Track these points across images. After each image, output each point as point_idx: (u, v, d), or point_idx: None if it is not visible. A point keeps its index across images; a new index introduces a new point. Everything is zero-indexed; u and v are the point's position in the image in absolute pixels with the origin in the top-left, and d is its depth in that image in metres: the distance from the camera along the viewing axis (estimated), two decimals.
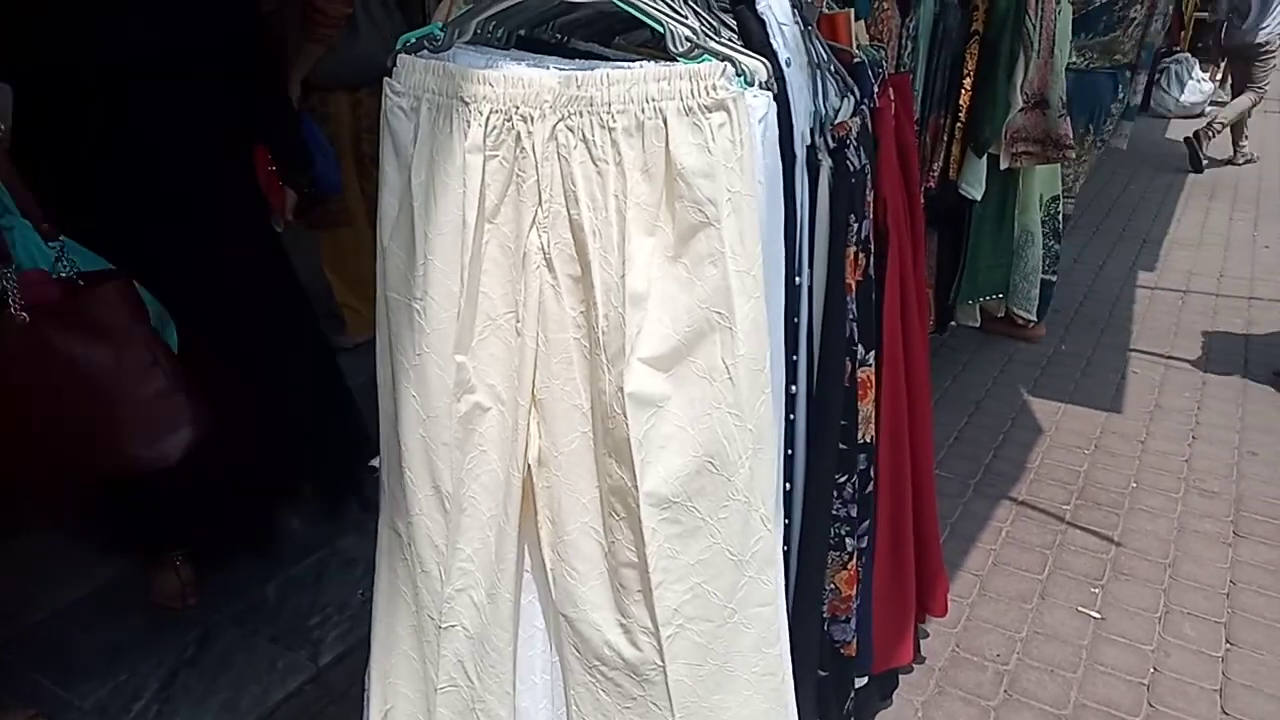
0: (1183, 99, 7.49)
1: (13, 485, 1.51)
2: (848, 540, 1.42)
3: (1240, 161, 6.11)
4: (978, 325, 3.33)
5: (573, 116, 0.94)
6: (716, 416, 0.98)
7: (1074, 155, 2.94)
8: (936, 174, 2.68)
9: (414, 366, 1.04)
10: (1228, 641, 1.97)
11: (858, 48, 1.36)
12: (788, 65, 1.10)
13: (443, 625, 1.10)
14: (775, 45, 1.08)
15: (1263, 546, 2.28)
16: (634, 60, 0.99)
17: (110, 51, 1.62)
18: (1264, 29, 5.59)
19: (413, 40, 1.04)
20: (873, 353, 1.40)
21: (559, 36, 1.18)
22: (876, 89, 1.35)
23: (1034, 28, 2.55)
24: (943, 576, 1.83)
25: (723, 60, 0.93)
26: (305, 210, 2.80)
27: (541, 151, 0.96)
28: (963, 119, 2.63)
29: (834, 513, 1.40)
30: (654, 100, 0.91)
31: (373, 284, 1.12)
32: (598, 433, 1.02)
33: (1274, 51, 5.73)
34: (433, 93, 0.99)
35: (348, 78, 2.78)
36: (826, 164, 1.22)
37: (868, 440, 1.43)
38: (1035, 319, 3.38)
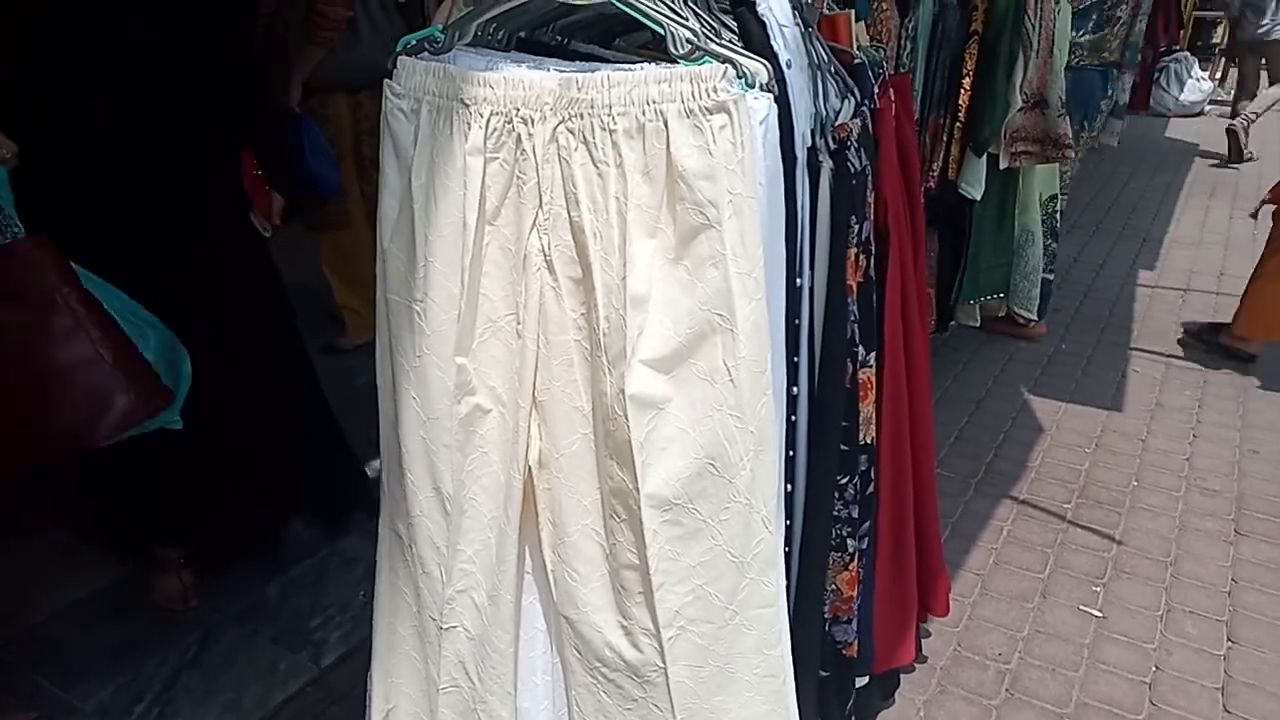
0: (1182, 97, 7.49)
1: None
2: (849, 541, 1.42)
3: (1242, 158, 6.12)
4: (978, 325, 3.33)
5: (573, 119, 0.94)
6: (718, 418, 0.98)
7: (1074, 155, 2.94)
8: (936, 174, 2.68)
9: (414, 368, 1.04)
10: (1229, 640, 1.97)
11: (858, 49, 1.36)
12: (788, 67, 1.10)
13: (444, 626, 1.10)
14: (776, 47, 1.08)
15: (1264, 544, 2.28)
16: (635, 62, 0.99)
17: (110, 51, 1.62)
18: None
19: (413, 42, 1.04)
20: (874, 354, 1.40)
21: (559, 39, 1.18)
22: (877, 90, 1.35)
23: (1033, 27, 2.55)
24: (944, 576, 1.83)
25: (724, 62, 0.93)
26: (304, 213, 2.81)
27: (542, 153, 0.96)
28: (962, 119, 2.63)
29: (835, 514, 1.40)
30: (655, 102, 0.91)
31: (373, 286, 1.12)
32: (599, 435, 1.02)
33: None
34: (433, 95, 0.99)
35: (348, 80, 2.78)
36: (827, 165, 1.22)
37: (869, 441, 1.43)
38: (1036, 318, 3.39)
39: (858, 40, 1.40)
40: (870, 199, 1.32)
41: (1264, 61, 6.08)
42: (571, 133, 0.94)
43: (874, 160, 1.33)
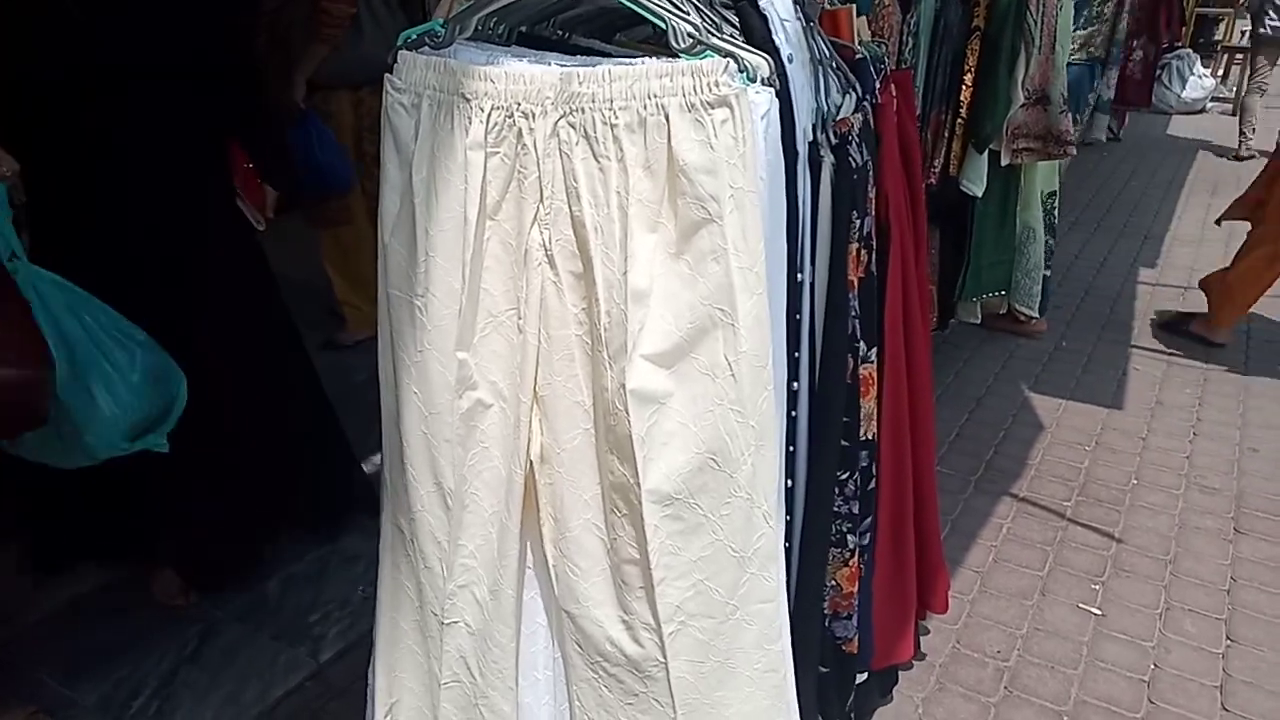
0: (1184, 95, 7.48)
1: None
2: (849, 537, 1.42)
3: (1244, 156, 6.11)
4: (979, 322, 3.34)
5: (574, 113, 0.94)
6: (719, 413, 0.98)
7: (1075, 152, 2.95)
8: (938, 170, 2.67)
9: (416, 363, 1.04)
10: (1228, 638, 1.97)
11: (859, 44, 1.36)
12: (790, 61, 1.10)
13: (445, 621, 1.11)
14: (777, 41, 1.08)
15: (1263, 543, 2.28)
16: (636, 57, 0.99)
17: (110, 51, 1.62)
18: None
19: (414, 37, 1.04)
20: (875, 349, 1.40)
21: (560, 33, 1.18)
22: (878, 85, 1.35)
23: (1035, 23, 2.54)
24: (943, 573, 1.83)
25: (725, 56, 0.92)
26: (303, 208, 2.81)
27: (543, 148, 0.96)
28: (964, 115, 2.63)
29: (835, 509, 1.40)
30: (656, 96, 0.91)
31: (374, 281, 1.12)
32: (600, 429, 1.02)
33: None
34: (434, 89, 0.99)
35: (351, 77, 2.78)
36: (829, 160, 1.22)
37: (869, 437, 1.43)
38: (1037, 315, 3.39)
39: (859, 35, 1.40)
40: (871, 194, 1.32)
41: None
42: (573, 127, 0.94)
43: (875, 155, 1.33)
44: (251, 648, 1.92)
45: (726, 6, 1.09)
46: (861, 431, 1.40)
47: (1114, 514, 2.41)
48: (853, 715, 1.58)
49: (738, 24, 1.07)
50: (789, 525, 1.32)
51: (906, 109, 1.52)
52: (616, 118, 0.92)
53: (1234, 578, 2.16)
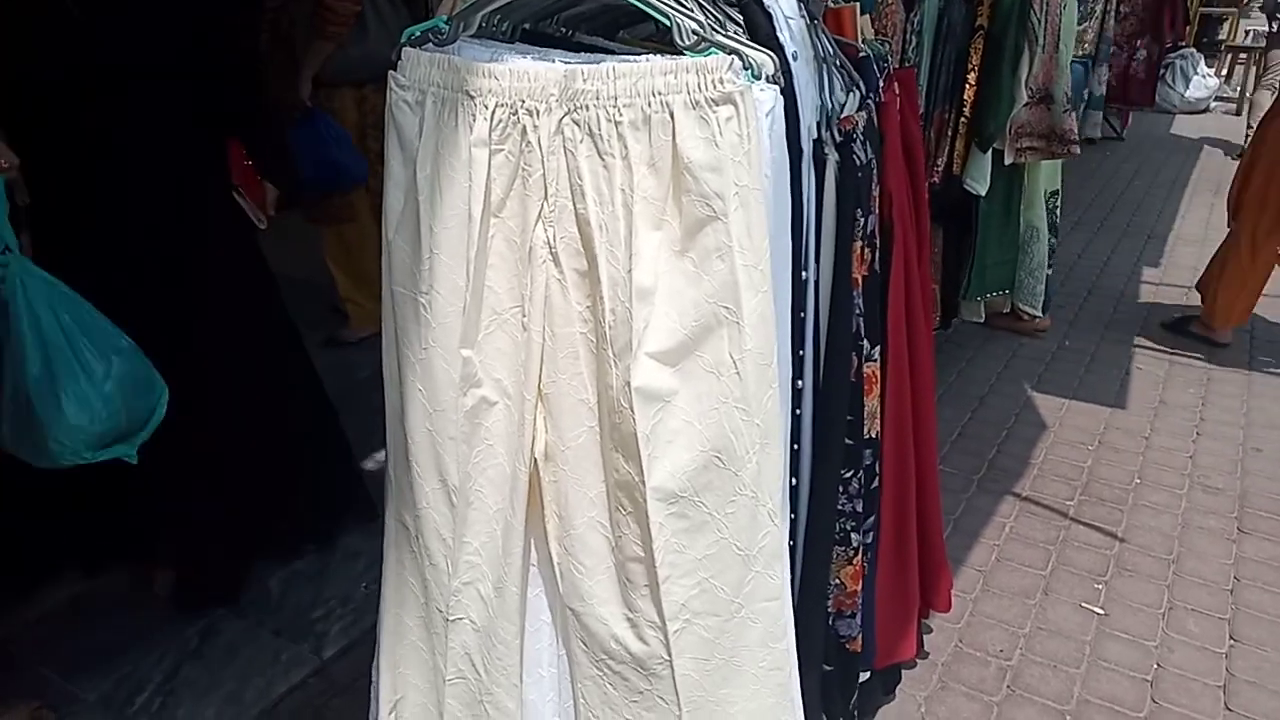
0: (1188, 94, 7.47)
1: None
2: (853, 535, 1.42)
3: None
4: (982, 321, 3.33)
5: (579, 110, 0.94)
6: (724, 411, 0.98)
7: (1078, 151, 2.94)
8: (941, 169, 2.67)
9: (420, 361, 1.04)
10: (1231, 637, 1.97)
11: (863, 42, 1.36)
12: (794, 59, 1.10)
13: (450, 618, 1.11)
14: (782, 39, 1.08)
15: (1267, 543, 2.28)
16: (640, 54, 0.99)
17: (110, 51, 1.62)
18: None
19: (417, 34, 1.04)
20: (878, 348, 1.40)
21: (564, 30, 1.18)
22: (882, 83, 1.35)
23: (1039, 22, 2.54)
24: (946, 572, 1.83)
25: (730, 54, 0.92)
26: (304, 206, 2.81)
27: (547, 145, 0.96)
28: (967, 114, 2.63)
29: (839, 508, 1.40)
30: (660, 94, 0.91)
31: (377, 278, 1.12)
32: (604, 427, 1.02)
33: None
34: (438, 86, 0.98)
35: (355, 74, 2.78)
36: (833, 158, 1.22)
37: (873, 436, 1.42)
38: (1041, 314, 3.39)
39: (863, 34, 1.40)
40: (875, 192, 1.32)
41: None
42: (577, 124, 0.94)
43: (879, 154, 1.33)
44: (253, 644, 1.92)
45: (731, 4, 1.09)
46: (865, 430, 1.40)
47: (1117, 513, 2.40)
48: (856, 714, 1.58)
49: (742, 21, 1.07)
50: (793, 524, 1.32)
51: (910, 107, 1.52)
52: (621, 115, 0.92)
53: (1237, 577, 2.16)
